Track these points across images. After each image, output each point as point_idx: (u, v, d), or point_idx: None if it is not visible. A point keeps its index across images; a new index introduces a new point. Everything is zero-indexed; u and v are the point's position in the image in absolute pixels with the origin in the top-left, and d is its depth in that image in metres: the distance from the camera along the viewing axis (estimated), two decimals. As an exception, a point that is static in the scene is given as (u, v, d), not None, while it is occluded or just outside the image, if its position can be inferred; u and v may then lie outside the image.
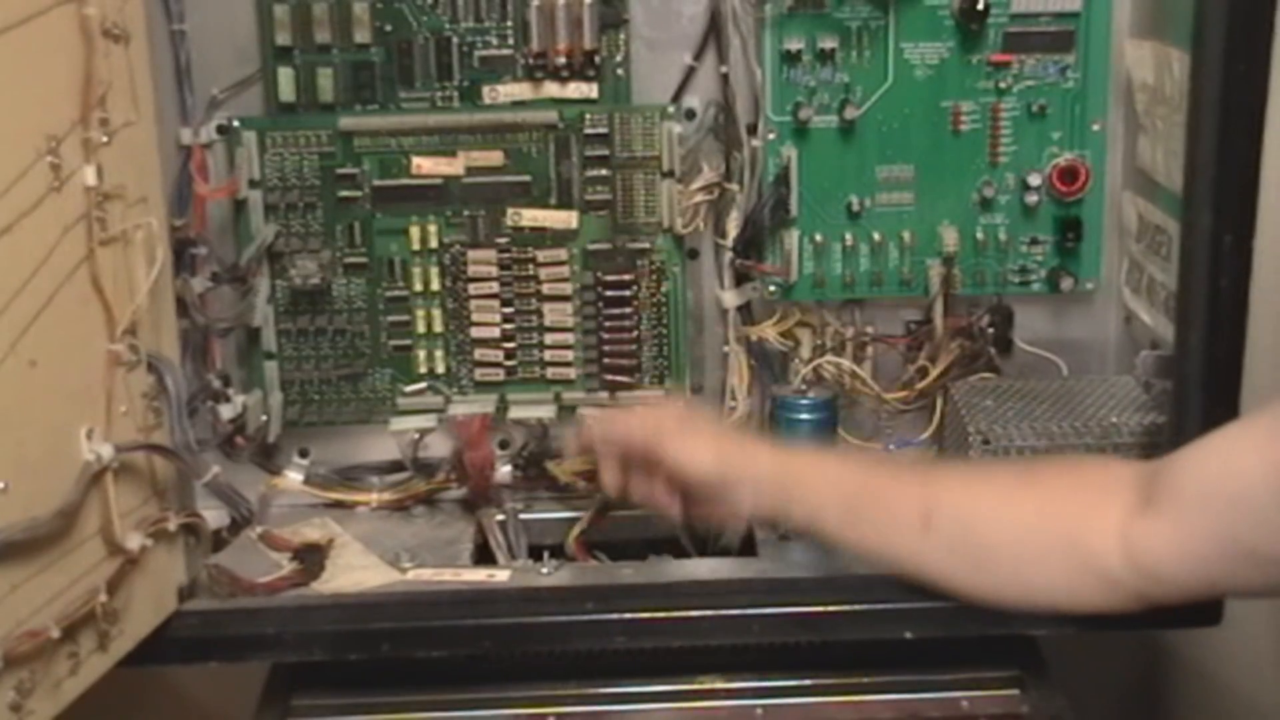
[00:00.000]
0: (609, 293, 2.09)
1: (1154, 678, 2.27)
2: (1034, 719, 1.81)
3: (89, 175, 1.54)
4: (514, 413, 2.10)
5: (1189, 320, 1.76)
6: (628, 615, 1.79)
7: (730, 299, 2.08)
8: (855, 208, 2.05)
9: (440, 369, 2.12)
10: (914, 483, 1.74)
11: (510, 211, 2.06)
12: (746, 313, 2.10)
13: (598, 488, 2.00)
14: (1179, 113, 1.77)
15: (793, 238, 2.06)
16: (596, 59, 2.02)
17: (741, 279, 2.08)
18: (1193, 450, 1.58)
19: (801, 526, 1.80)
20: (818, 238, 2.07)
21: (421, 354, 2.11)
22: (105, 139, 1.57)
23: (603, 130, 2.04)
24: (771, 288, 2.07)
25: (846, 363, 2.10)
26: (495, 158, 2.05)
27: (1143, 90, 1.96)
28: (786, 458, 1.79)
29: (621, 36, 2.03)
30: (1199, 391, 1.76)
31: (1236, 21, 1.64)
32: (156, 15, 1.90)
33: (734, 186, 2.04)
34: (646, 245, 2.08)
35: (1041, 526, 1.63)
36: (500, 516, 2.06)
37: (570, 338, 2.11)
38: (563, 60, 2.02)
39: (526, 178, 2.05)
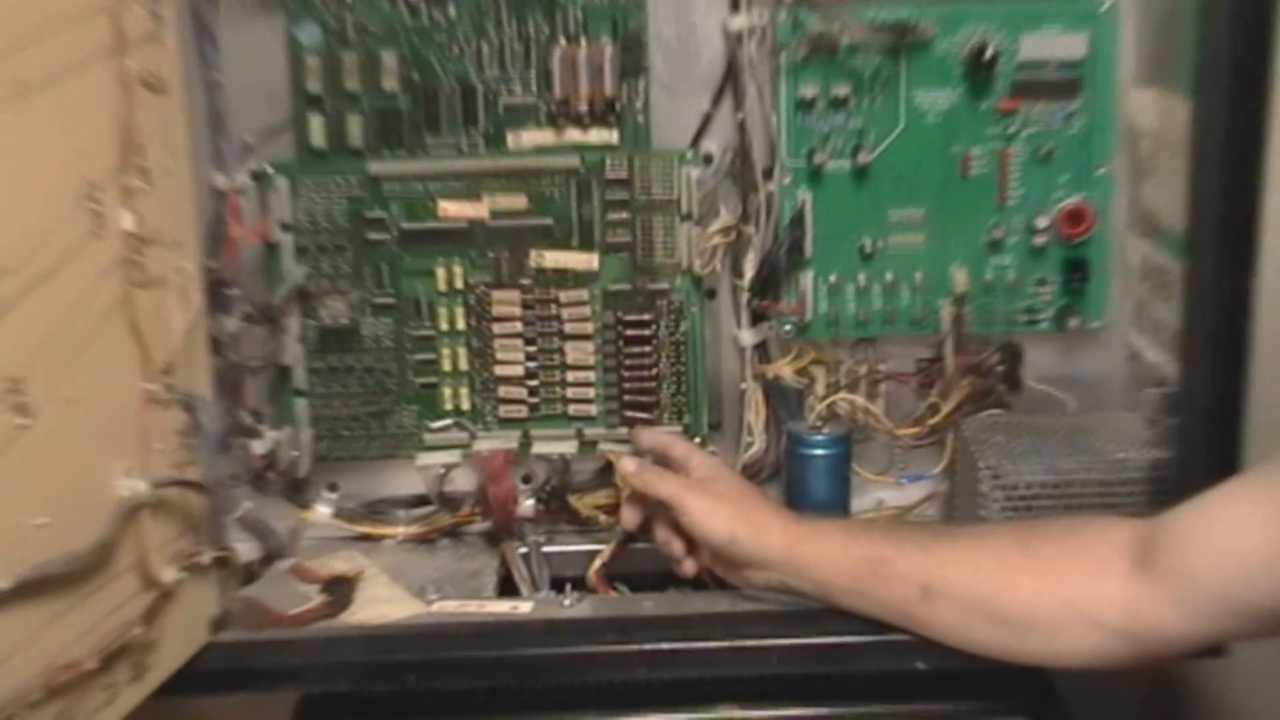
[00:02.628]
0: (629, 332, 2.09)
1: (1161, 704, 2.27)
2: None
3: (127, 221, 1.55)
4: (537, 448, 2.10)
5: (1192, 359, 1.77)
6: (648, 646, 1.79)
7: (747, 337, 2.08)
8: (868, 249, 2.06)
9: (465, 406, 2.12)
10: (914, 551, 1.76)
11: (533, 253, 2.07)
12: (763, 351, 2.09)
13: (618, 522, 2.02)
14: (1181, 158, 1.78)
15: (807, 278, 2.06)
16: (617, 105, 2.03)
17: (758, 318, 2.08)
18: (1192, 512, 1.59)
19: (810, 597, 1.81)
20: (832, 278, 2.07)
21: (447, 391, 2.11)
22: (144, 186, 1.57)
23: (623, 175, 2.05)
24: (787, 326, 2.07)
25: (860, 399, 2.10)
26: (519, 201, 2.05)
27: (1146, 136, 1.97)
28: (795, 538, 1.80)
29: (641, 84, 2.03)
30: (1202, 428, 1.77)
31: (1237, 70, 1.65)
32: (193, 65, 1.90)
33: (750, 229, 2.04)
34: (665, 286, 2.08)
35: (1044, 600, 1.65)
36: (523, 549, 2.06)
37: (591, 375, 2.11)
38: (584, 107, 2.02)
39: (549, 221, 2.06)
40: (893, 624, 1.75)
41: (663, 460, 1.97)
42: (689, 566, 1.91)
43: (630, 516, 1.96)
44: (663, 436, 2.01)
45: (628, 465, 1.96)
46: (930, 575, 1.71)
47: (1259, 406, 1.76)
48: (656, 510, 1.92)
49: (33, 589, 1.40)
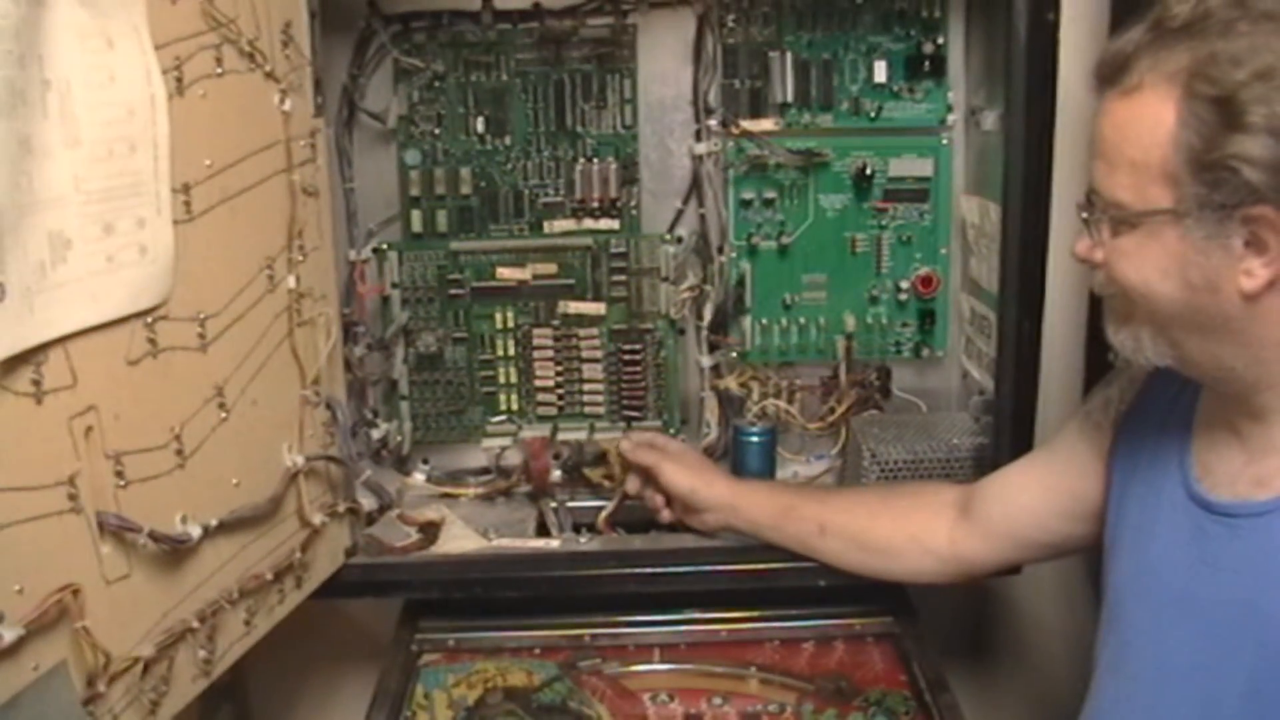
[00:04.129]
0: (626, 358, 2.10)
1: (981, 607, 2.30)
2: (901, 636, 1.85)
3: (291, 281, 1.60)
4: (562, 435, 2.10)
5: (1002, 377, 1.82)
6: (638, 570, 1.85)
7: (706, 361, 2.08)
8: (788, 302, 2.08)
9: (515, 407, 2.12)
10: (814, 503, 1.82)
11: (561, 303, 2.08)
12: (717, 370, 2.10)
13: (616, 486, 2.02)
14: (995, 242, 1.82)
15: (747, 321, 2.09)
16: (618, 203, 2.05)
17: (713, 348, 2.09)
18: (996, 478, 1.67)
19: (746, 534, 1.85)
20: (764, 321, 2.09)
21: (502, 396, 2.12)
22: (302, 258, 1.62)
23: (622, 250, 2.06)
24: (733, 354, 2.10)
25: (782, 404, 2.11)
26: (552, 268, 2.07)
27: (972, 228, 2.00)
28: (735, 491, 1.86)
29: (634, 189, 2.05)
30: (1009, 424, 1.82)
31: (1028, 186, 1.72)
32: (335, 177, 1.93)
33: (708, 288, 2.05)
34: (651, 326, 2.09)
35: (896, 536, 1.72)
36: (553, 504, 2.05)
37: (600, 387, 2.11)
38: (596, 204, 2.05)
39: (572, 281, 2.07)
40: (800, 553, 1.80)
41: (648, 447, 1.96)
42: (666, 515, 1.91)
43: (631, 482, 1.95)
44: (647, 435, 2.00)
45: (624, 445, 1.96)
46: (824, 518, 1.76)
47: (1044, 410, 1.82)
48: (645, 477, 1.93)
49: (230, 527, 1.46)
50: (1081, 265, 1.29)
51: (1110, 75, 1.21)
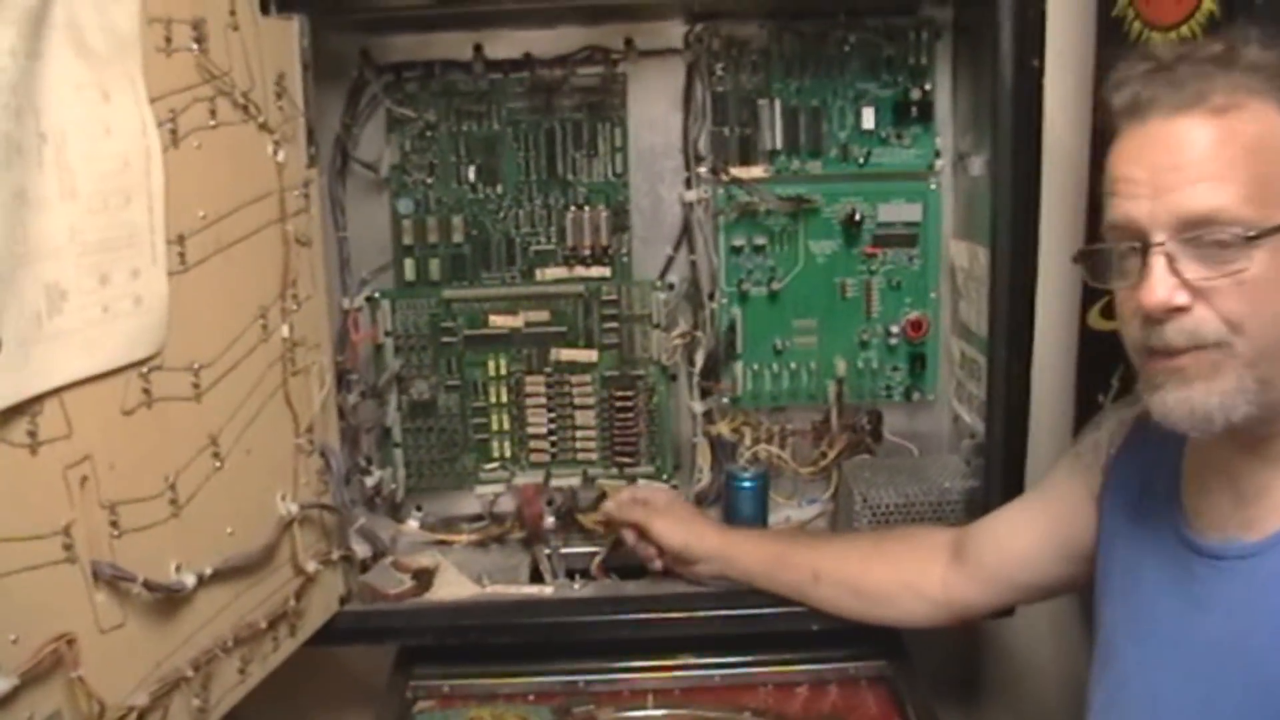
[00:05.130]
0: (618, 404, 2.10)
1: (974, 649, 2.29)
2: (894, 678, 1.83)
3: (284, 330, 1.61)
4: (555, 482, 2.10)
5: (993, 420, 1.82)
6: (631, 615, 1.85)
7: (698, 407, 2.08)
8: (779, 347, 2.08)
9: (508, 454, 2.12)
10: (806, 550, 1.81)
11: (553, 350, 2.08)
12: (709, 416, 2.09)
13: (609, 532, 2.01)
14: (984, 286, 1.83)
15: (738, 366, 2.09)
16: (609, 251, 2.06)
17: (705, 394, 2.08)
18: (986, 522, 1.66)
19: (739, 582, 1.84)
20: (755, 366, 2.09)
21: (495, 443, 2.11)
22: (295, 307, 1.63)
23: (614, 297, 2.06)
24: (725, 399, 2.09)
25: (774, 449, 2.11)
26: (544, 315, 2.07)
27: (961, 271, 2.01)
28: (727, 541, 1.86)
29: (626, 236, 2.06)
30: (999, 467, 1.82)
31: (1015, 231, 1.72)
32: (329, 227, 1.94)
33: (700, 334, 2.06)
34: (643, 372, 2.08)
35: (890, 581, 1.71)
36: (547, 550, 2.05)
37: (593, 433, 2.11)
38: (587, 251, 2.06)
39: (564, 328, 2.07)
40: (794, 599, 1.80)
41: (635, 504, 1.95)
42: (658, 565, 1.91)
43: (628, 536, 1.93)
44: (632, 491, 2.00)
45: (609, 507, 1.96)
46: (817, 565, 1.76)
47: (1034, 453, 1.82)
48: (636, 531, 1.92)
49: (225, 575, 1.46)
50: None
51: (1183, 102, 1.18)
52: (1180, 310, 1.18)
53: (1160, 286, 1.18)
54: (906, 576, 1.71)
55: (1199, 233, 1.16)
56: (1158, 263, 1.18)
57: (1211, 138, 1.16)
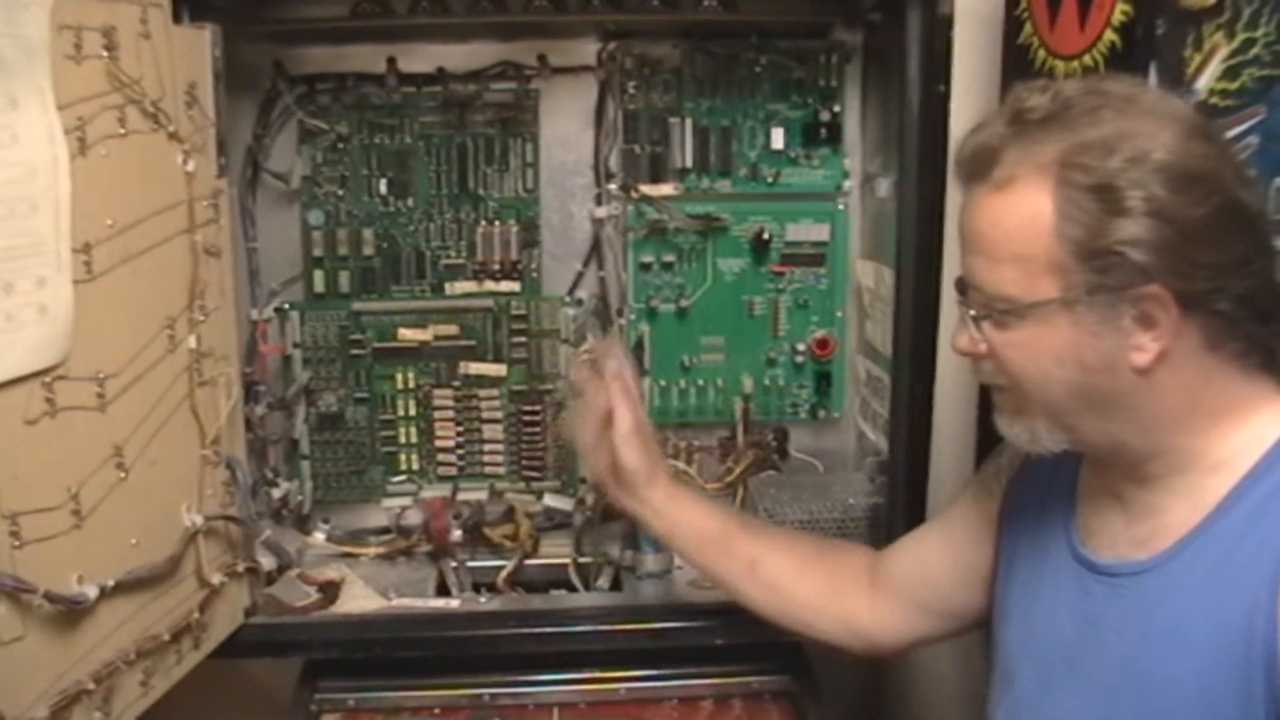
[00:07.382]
0: (526, 418, 2.11)
1: (877, 668, 2.27)
2: (798, 694, 1.84)
3: (192, 341, 1.59)
4: (462, 495, 2.10)
5: (896, 438, 1.85)
6: (537, 629, 1.84)
7: None
8: (686, 364, 2.10)
9: (415, 466, 2.12)
10: (748, 536, 1.69)
11: (462, 364, 2.09)
12: None
13: (516, 546, 2.03)
14: (889, 306, 1.85)
15: (646, 383, 2.09)
16: (519, 266, 2.06)
17: None
18: (898, 548, 1.63)
19: (668, 545, 1.80)
20: (662, 382, 2.11)
21: (403, 456, 2.12)
22: (203, 318, 1.61)
23: (523, 312, 2.07)
24: None
25: (681, 464, 2.11)
26: (453, 329, 2.08)
27: (867, 292, 2.03)
28: (674, 498, 1.70)
29: (535, 252, 2.07)
30: (903, 484, 1.84)
31: (919, 252, 1.75)
32: (239, 237, 1.93)
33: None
34: (551, 387, 2.10)
35: (821, 594, 1.65)
36: (454, 564, 2.05)
37: (500, 447, 2.11)
38: (497, 267, 2.06)
39: (473, 342, 2.08)
40: (719, 585, 1.70)
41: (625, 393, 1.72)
42: (595, 453, 1.71)
43: (579, 374, 1.74)
44: (622, 371, 1.72)
45: (611, 365, 1.71)
46: (756, 555, 1.67)
47: (937, 470, 1.85)
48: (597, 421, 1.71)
49: (128, 587, 1.45)
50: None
51: (977, 170, 1.21)
52: (981, 357, 1.26)
53: (959, 336, 1.28)
54: (835, 593, 1.65)
55: (971, 298, 1.25)
56: (965, 313, 1.26)
57: (987, 216, 1.21)
